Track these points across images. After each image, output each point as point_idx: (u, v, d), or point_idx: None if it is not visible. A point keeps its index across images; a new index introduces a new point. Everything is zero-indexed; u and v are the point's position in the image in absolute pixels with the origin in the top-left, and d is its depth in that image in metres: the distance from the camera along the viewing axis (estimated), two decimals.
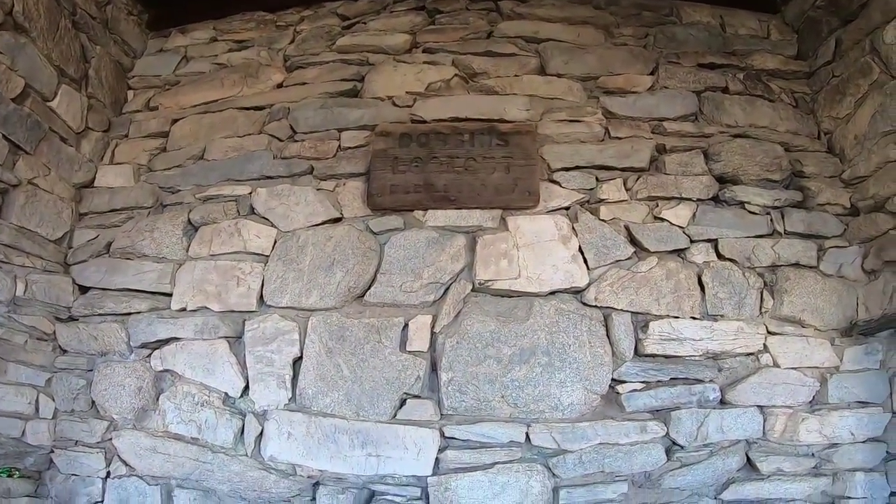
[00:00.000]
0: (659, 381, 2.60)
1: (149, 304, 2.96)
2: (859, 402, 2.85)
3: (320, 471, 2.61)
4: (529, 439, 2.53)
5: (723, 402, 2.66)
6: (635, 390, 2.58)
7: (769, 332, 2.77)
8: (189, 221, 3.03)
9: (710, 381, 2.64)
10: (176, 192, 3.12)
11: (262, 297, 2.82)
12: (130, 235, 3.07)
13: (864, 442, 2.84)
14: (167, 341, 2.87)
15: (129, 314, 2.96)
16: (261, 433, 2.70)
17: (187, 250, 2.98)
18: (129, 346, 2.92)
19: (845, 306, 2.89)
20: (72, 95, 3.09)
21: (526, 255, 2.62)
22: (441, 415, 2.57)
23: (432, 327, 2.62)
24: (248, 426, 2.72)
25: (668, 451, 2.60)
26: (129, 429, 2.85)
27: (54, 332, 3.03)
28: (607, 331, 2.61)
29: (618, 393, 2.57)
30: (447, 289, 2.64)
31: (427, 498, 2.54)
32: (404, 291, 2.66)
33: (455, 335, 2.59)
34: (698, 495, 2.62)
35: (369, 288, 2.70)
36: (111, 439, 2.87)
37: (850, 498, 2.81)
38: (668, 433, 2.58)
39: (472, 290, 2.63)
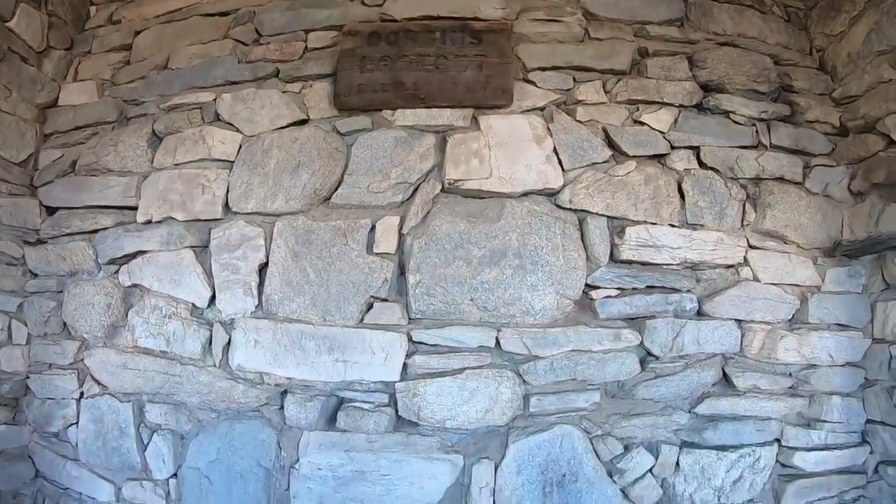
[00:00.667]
0: (634, 289, 2.38)
1: (114, 218, 2.75)
2: (839, 324, 2.64)
3: (288, 378, 2.41)
4: (500, 344, 2.32)
5: (700, 314, 2.45)
6: (610, 297, 2.36)
7: (750, 246, 2.54)
8: (153, 132, 2.80)
9: (688, 291, 2.43)
10: (140, 103, 2.89)
11: (227, 203, 2.60)
12: (95, 151, 2.85)
13: (842, 366, 2.64)
14: (134, 255, 2.67)
15: (96, 231, 2.75)
16: (228, 342, 2.50)
17: (152, 162, 2.75)
18: (97, 263, 2.71)
19: (829, 226, 2.67)
20: (31, 14, 2.85)
21: (498, 155, 2.39)
22: (409, 319, 2.36)
23: (400, 229, 2.40)
24: (215, 336, 2.52)
25: (642, 362, 2.39)
26: (99, 347, 2.66)
27: (23, 256, 2.85)
28: (582, 235, 2.38)
29: (591, 299, 2.35)
30: (416, 189, 2.42)
31: (395, 404, 2.34)
32: (371, 192, 2.44)
33: (423, 236, 2.37)
34: (672, 408, 2.41)
35: (336, 190, 2.48)
36: (83, 359, 2.69)
37: (825, 421, 2.61)
38: (642, 342, 2.37)
39: (442, 190, 2.41)
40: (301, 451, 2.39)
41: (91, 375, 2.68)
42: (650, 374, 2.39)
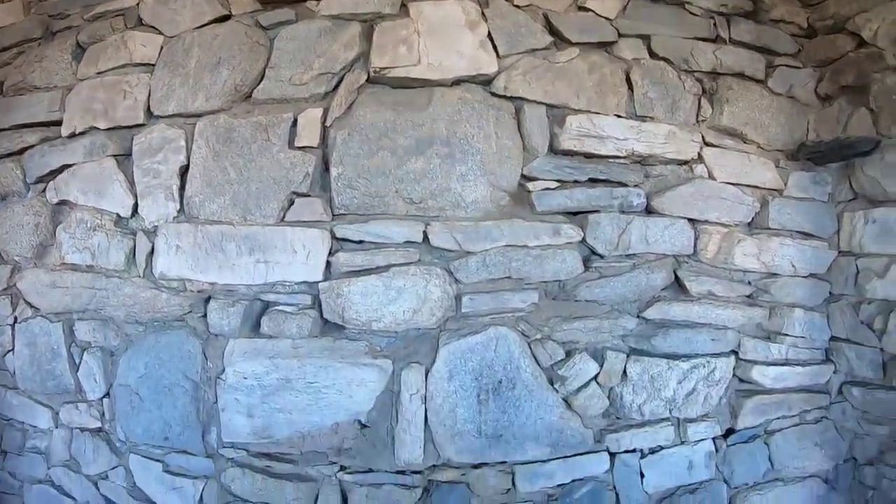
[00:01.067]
0: (576, 181, 2.13)
1: (40, 135, 2.53)
2: (803, 232, 2.38)
3: (210, 284, 2.18)
4: (429, 240, 2.07)
5: (649, 211, 2.20)
6: (548, 189, 2.11)
7: (706, 143, 2.29)
8: (78, 44, 2.58)
9: (636, 185, 2.17)
10: (65, 16, 2.67)
11: (149, 108, 2.37)
12: (22, 70, 2.64)
13: (805, 277, 2.38)
14: (60, 170, 2.45)
15: (24, 150, 2.54)
16: (151, 251, 2.27)
17: (76, 74, 2.53)
18: (25, 183, 2.51)
19: (793, 128, 2.41)
20: None
21: (428, 42, 2.15)
22: (333, 215, 2.13)
23: (324, 121, 2.16)
24: (139, 245, 2.30)
25: (585, 261, 2.14)
26: (30, 269, 2.45)
27: None
28: (518, 124, 2.14)
29: (528, 191, 2.11)
30: (340, 80, 2.18)
31: (319, 306, 2.11)
32: (293, 84, 2.20)
33: (347, 127, 2.13)
34: (619, 311, 2.15)
35: (258, 85, 2.24)
36: (15, 283, 2.46)
37: (786, 335, 2.35)
38: (584, 239, 2.11)
39: (368, 80, 2.17)
40: (226, 360, 2.17)
41: (23, 299, 2.47)
42: (594, 273, 2.13)
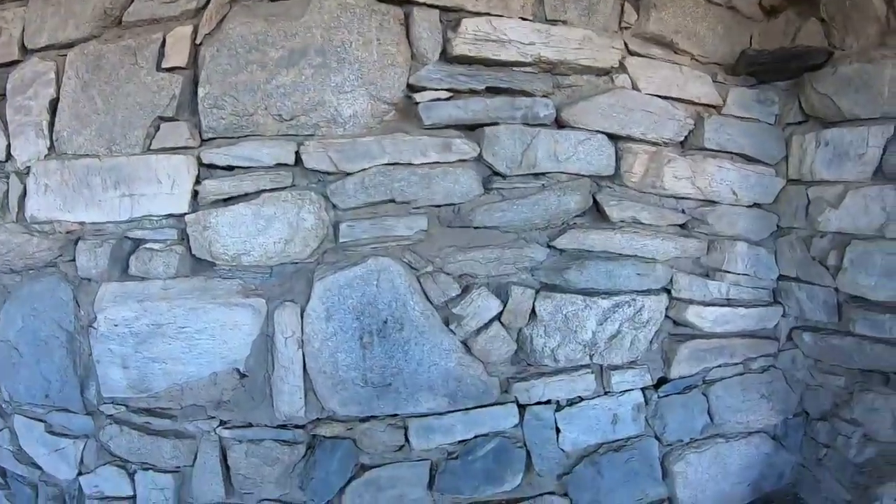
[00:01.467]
0: (472, 91, 1.79)
1: None
2: (745, 156, 2.02)
3: (79, 224, 1.90)
4: (302, 161, 1.74)
5: (561, 125, 1.82)
6: (439, 99, 1.77)
7: (630, 52, 1.94)
8: None
9: (544, 95, 1.82)
10: None
11: (23, 43, 2.09)
12: None
13: (749, 206, 2.01)
14: None
15: None
16: (24, 193, 1.98)
17: None
18: None
19: (734, 42, 2.05)
20: None
21: None
22: (201, 140, 1.82)
23: (193, 39, 1.85)
24: (11, 188, 2.02)
25: (487, 182, 1.79)
26: None
27: None
28: (407, 30, 1.79)
29: (416, 103, 1.76)
30: None
31: (187, 241, 1.79)
32: (164, 3, 1.90)
33: (216, 43, 1.81)
34: (525, 240, 1.80)
35: (128, 6, 1.94)
36: None
37: (727, 272, 1.99)
38: (481, 155, 1.75)
39: None
40: (97, 306, 1.88)
41: None
42: (495, 196, 1.79)
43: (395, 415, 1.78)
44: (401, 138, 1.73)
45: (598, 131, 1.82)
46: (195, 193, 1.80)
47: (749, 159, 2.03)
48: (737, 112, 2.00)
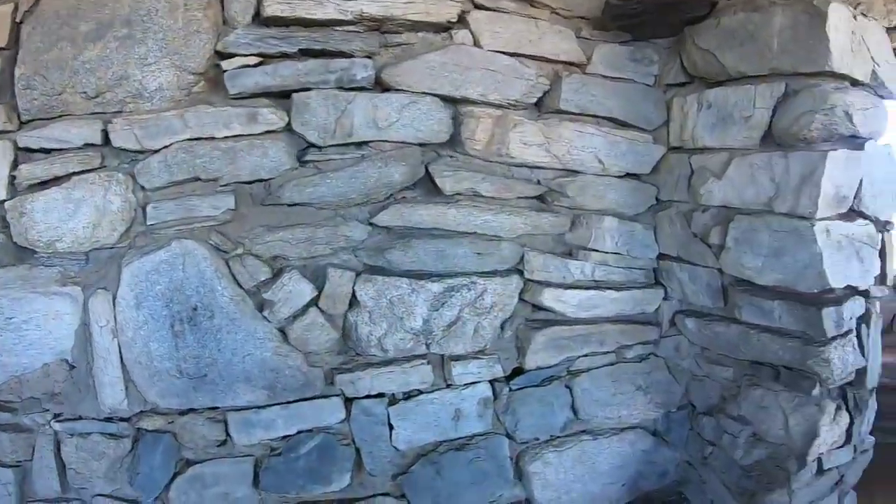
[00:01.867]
0: (284, 55, 1.57)
1: None
2: (615, 120, 1.70)
3: None
4: (110, 140, 1.57)
5: (384, 87, 1.57)
6: (246, 66, 1.56)
7: (476, 6, 1.67)
8: None
9: (366, 55, 1.58)
10: None
11: None
12: None
13: (620, 177, 1.72)
14: None
15: None
16: None
17: None
18: None
19: None
20: None
21: None
22: (20, 122, 1.68)
23: (14, 17, 1.71)
24: None
25: (301, 155, 1.57)
26: None
27: None
28: None
29: (224, 71, 1.54)
30: None
31: (8, 228, 1.67)
32: None
33: (33, 20, 1.67)
34: (343, 217, 1.58)
35: None
36: None
37: (594, 250, 1.70)
38: (290, 125, 1.53)
39: None
40: None
41: None
42: (310, 170, 1.58)
43: (216, 408, 1.61)
44: (203, 111, 1.54)
45: (425, 93, 1.56)
46: (12, 178, 1.66)
47: (621, 124, 1.72)
48: (605, 71, 1.69)
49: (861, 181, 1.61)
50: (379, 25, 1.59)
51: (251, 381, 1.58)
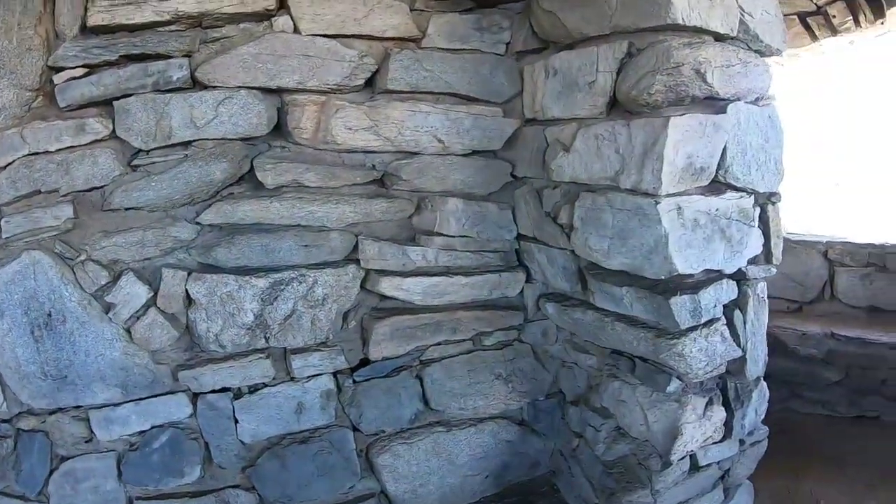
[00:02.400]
0: (108, 62, 1.54)
1: None
2: (459, 95, 1.56)
3: None
4: None
5: (204, 86, 1.51)
6: (74, 78, 1.54)
7: None
8: None
9: (185, 55, 1.52)
10: None
11: None
12: None
13: (466, 155, 1.57)
14: None
15: None
16: None
17: None
18: None
19: None
20: None
21: None
22: None
23: None
24: None
25: (131, 161, 1.54)
26: None
27: None
28: (54, 7, 1.57)
29: (55, 85, 1.54)
30: None
31: None
32: None
33: None
34: (173, 218, 1.56)
35: None
36: None
37: (439, 234, 1.58)
38: (114, 132, 1.50)
39: None
40: None
41: None
42: (140, 174, 1.55)
43: (79, 406, 1.63)
44: (37, 126, 1.54)
45: (240, 87, 1.49)
46: None
47: (468, 99, 1.58)
48: (444, 44, 1.56)
49: (725, 149, 1.37)
50: (199, 22, 1.53)
51: (105, 380, 1.59)
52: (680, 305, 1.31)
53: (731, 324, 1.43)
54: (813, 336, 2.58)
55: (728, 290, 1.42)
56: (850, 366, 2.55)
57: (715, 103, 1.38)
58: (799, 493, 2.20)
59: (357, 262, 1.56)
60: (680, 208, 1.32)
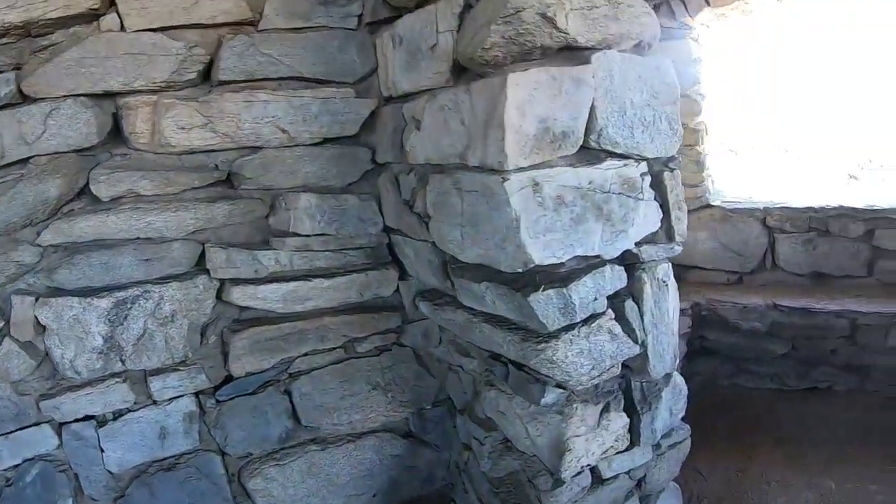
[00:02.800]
0: None
1: None
2: (302, 78, 1.16)
3: None
4: None
5: (28, 99, 1.17)
6: None
7: None
8: None
9: (12, 68, 1.19)
10: None
11: None
12: None
13: (316, 144, 1.18)
14: None
15: None
16: None
17: None
18: None
19: None
20: None
21: None
22: None
23: None
24: None
25: None
26: None
27: None
28: None
29: None
30: None
31: None
32: None
33: None
34: (15, 242, 1.27)
35: None
36: None
37: (295, 234, 1.34)
38: None
39: None
40: None
41: None
42: None
43: None
44: None
45: (66, 96, 1.17)
46: None
47: (316, 82, 1.23)
48: (283, 24, 1.22)
49: (594, 108, 0.94)
50: (27, 31, 1.22)
51: None
52: (544, 303, 0.91)
53: (622, 317, 1.04)
54: (755, 309, 2.12)
55: (614, 279, 1.02)
56: (797, 337, 2.09)
57: (576, 54, 0.97)
58: (749, 475, 1.74)
59: (207, 272, 1.20)
60: (537, 184, 0.92)
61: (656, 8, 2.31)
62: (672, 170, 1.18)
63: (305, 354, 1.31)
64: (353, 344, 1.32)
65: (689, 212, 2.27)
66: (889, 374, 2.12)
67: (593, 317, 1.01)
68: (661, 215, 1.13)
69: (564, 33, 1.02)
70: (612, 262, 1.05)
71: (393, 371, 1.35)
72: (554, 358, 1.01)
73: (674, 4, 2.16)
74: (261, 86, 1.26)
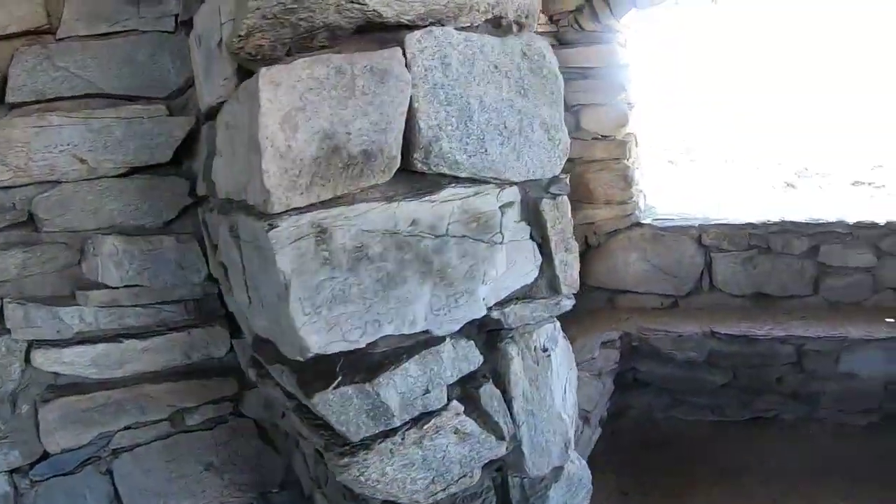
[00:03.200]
0: None
1: None
2: (102, 94, 0.96)
3: None
4: None
5: None
6: None
7: None
8: None
9: None
10: None
11: None
12: None
13: (122, 175, 1.01)
14: None
15: None
16: None
17: None
18: None
19: None
20: None
21: None
22: None
23: None
24: None
25: None
26: None
27: None
28: None
29: None
30: None
31: None
32: None
33: None
34: None
35: None
36: None
37: (104, 286, 0.90)
38: None
39: None
40: None
41: None
42: None
43: None
44: None
45: None
46: None
47: (121, 98, 0.83)
48: (84, 30, 0.91)
49: (413, 112, 0.57)
50: None
51: None
52: (338, 405, 0.57)
53: (477, 408, 0.65)
54: (691, 337, 1.75)
55: (458, 360, 0.69)
56: (738, 366, 1.73)
57: (384, 36, 0.56)
58: None
59: (9, 332, 0.85)
60: (323, 231, 0.57)
61: (578, 10, 1.68)
62: (554, 196, 0.71)
63: (127, 428, 1.00)
64: (182, 415, 1.01)
65: (618, 231, 1.80)
66: (840, 400, 1.68)
67: (426, 416, 0.62)
68: (541, 259, 0.71)
69: (360, 4, 0.54)
70: (456, 335, 0.65)
71: (230, 447, 1.04)
72: (364, 477, 0.63)
73: (597, 6, 1.66)
74: (55, 107, 0.95)
